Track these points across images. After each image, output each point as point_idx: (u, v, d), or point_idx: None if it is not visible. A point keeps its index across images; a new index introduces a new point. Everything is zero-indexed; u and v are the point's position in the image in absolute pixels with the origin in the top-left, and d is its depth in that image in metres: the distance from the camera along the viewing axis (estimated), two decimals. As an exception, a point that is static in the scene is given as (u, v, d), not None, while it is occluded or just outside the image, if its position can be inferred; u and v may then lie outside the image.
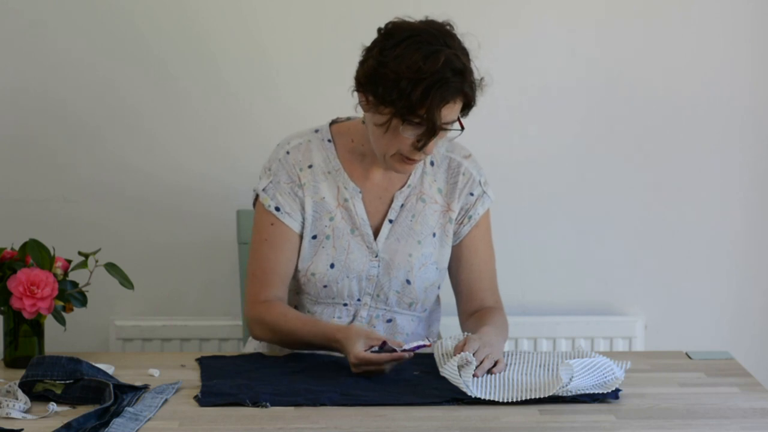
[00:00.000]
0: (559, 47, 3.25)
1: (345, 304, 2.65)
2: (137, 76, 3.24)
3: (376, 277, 2.63)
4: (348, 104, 2.57)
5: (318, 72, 3.24)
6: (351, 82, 2.53)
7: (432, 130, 2.45)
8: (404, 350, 2.34)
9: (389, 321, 2.66)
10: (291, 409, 2.18)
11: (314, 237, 2.63)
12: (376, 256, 2.63)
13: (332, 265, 2.62)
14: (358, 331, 2.43)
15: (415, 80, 2.42)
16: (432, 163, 2.67)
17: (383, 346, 2.35)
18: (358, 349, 2.36)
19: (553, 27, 3.25)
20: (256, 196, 2.67)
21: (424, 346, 2.37)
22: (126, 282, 2.52)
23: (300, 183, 2.63)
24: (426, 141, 2.48)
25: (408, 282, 2.64)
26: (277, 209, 2.62)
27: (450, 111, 2.47)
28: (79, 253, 2.50)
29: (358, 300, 2.65)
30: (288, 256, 2.62)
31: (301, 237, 2.63)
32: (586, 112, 3.29)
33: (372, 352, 2.35)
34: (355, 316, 2.65)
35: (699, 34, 3.26)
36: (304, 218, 2.63)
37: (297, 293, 2.68)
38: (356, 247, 2.63)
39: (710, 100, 3.28)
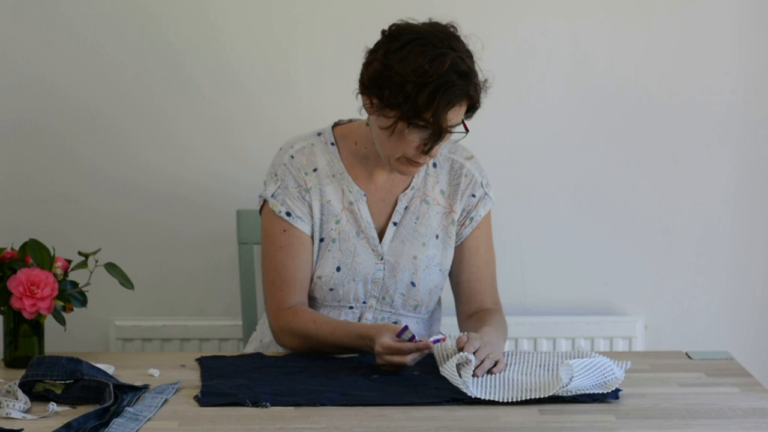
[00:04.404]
0: (559, 48, 3.25)
1: (351, 307, 2.65)
2: (139, 76, 3.23)
3: (382, 279, 2.63)
4: (354, 103, 2.57)
5: (322, 73, 3.23)
6: (357, 81, 2.53)
7: (438, 133, 2.45)
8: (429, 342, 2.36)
9: (394, 323, 2.66)
10: (291, 409, 2.18)
11: (321, 240, 2.63)
12: (382, 259, 2.63)
13: (338, 269, 2.62)
14: (388, 326, 2.44)
15: (421, 84, 2.42)
16: (434, 165, 2.67)
17: (406, 329, 2.37)
18: (385, 338, 2.37)
19: (553, 27, 3.24)
20: (263, 203, 2.66)
21: (441, 339, 2.37)
22: (126, 282, 2.52)
23: (306, 187, 2.63)
24: (432, 144, 2.48)
25: (413, 284, 2.64)
26: (288, 214, 2.62)
27: (455, 114, 2.47)
28: (79, 253, 2.50)
29: (364, 303, 2.65)
30: (305, 260, 2.62)
31: (313, 240, 2.63)
32: (586, 113, 3.28)
33: (397, 336, 2.37)
34: (360, 319, 2.65)
35: (699, 36, 3.26)
36: (313, 221, 2.63)
37: (302, 297, 2.68)
38: (362, 250, 2.62)
39: (712, 101, 3.28)
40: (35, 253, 2.47)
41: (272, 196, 2.63)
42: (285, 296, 2.60)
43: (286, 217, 2.62)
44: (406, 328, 2.39)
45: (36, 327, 2.48)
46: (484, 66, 2.50)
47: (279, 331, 2.61)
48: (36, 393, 2.22)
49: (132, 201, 3.27)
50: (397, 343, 2.36)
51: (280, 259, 2.62)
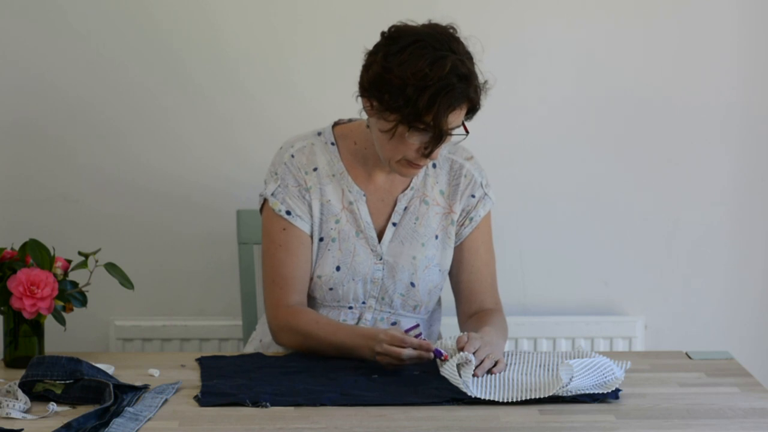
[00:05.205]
0: (559, 49, 3.25)
1: (350, 307, 2.65)
2: (139, 76, 3.23)
3: (381, 279, 2.63)
4: (355, 103, 2.57)
5: (322, 73, 3.23)
6: (357, 83, 2.53)
7: (438, 136, 2.45)
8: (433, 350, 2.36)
9: (394, 324, 2.66)
10: (291, 409, 2.18)
11: (321, 239, 2.63)
12: (381, 259, 2.63)
13: (338, 268, 2.62)
14: (399, 329, 2.45)
15: (422, 87, 2.41)
16: (434, 165, 2.67)
17: (416, 327, 2.39)
18: (392, 331, 2.38)
19: (553, 28, 3.24)
20: (264, 201, 2.66)
21: (443, 357, 2.35)
22: (126, 282, 2.52)
23: (306, 186, 2.63)
24: (432, 147, 2.48)
25: (412, 284, 2.64)
26: (288, 213, 2.62)
27: (456, 117, 2.46)
28: (79, 253, 2.50)
29: (363, 303, 2.65)
30: (304, 259, 2.62)
31: (312, 239, 2.63)
32: (586, 114, 3.29)
33: (406, 331, 2.39)
34: (359, 319, 2.65)
35: (699, 36, 3.26)
36: (313, 221, 2.63)
37: (301, 296, 2.68)
38: (361, 250, 2.62)
39: (712, 101, 3.28)
40: (35, 253, 2.47)
41: (272, 194, 2.63)
42: (284, 294, 2.61)
43: (286, 216, 2.62)
44: (417, 326, 2.41)
45: (36, 327, 2.48)
46: (485, 67, 2.50)
47: (278, 329, 2.61)
48: (36, 393, 2.22)
49: (132, 201, 3.27)
50: (402, 335, 2.36)
51: (279, 257, 2.62)
